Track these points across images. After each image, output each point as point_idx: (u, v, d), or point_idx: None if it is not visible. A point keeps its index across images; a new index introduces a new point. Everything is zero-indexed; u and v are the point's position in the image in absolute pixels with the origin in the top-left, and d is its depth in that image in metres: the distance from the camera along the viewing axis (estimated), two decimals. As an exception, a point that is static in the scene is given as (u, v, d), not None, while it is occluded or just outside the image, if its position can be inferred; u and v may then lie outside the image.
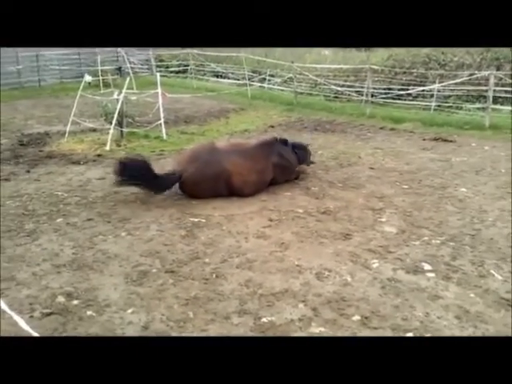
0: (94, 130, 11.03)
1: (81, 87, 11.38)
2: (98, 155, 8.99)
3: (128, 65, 20.77)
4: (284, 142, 7.26)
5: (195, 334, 3.36)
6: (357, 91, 15.73)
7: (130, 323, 3.52)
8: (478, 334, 3.36)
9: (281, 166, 6.98)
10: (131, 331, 3.41)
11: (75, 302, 3.81)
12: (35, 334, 3.17)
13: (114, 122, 9.81)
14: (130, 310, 3.69)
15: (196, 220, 5.60)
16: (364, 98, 15.00)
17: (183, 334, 3.36)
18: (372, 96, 14.73)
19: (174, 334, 3.36)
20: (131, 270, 4.35)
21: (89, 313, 3.65)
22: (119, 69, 20.25)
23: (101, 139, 10.08)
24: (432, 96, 14.21)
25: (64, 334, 3.35)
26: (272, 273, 4.31)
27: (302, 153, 7.52)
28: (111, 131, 9.71)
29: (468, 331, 3.40)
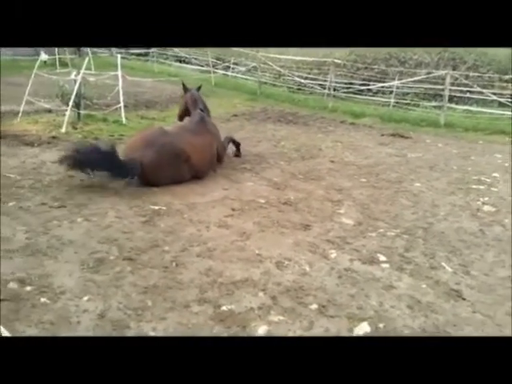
0: (50, 111, 10.60)
1: (36, 65, 10.88)
2: (53, 137, 8.64)
3: (87, 44, 20.01)
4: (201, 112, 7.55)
5: (154, 324, 3.32)
6: (319, 84, 15.93)
7: (86, 311, 3.43)
8: (429, 323, 3.51)
9: (217, 135, 7.48)
10: (87, 319, 3.32)
11: (28, 288, 3.67)
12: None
13: (70, 103, 9.45)
14: (85, 298, 3.59)
15: (156, 208, 5.50)
16: (326, 91, 15.21)
17: (142, 323, 3.32)
18: (334, 90, 14.97)
19: (131, 323, 3.31)
20: (87, 257, 4.23)
21: (42, 300, 3.52)
22: (78, 48, 19.47)
23: (56, 121, 9.69)
24: (391, 93, 14.63)
25: (16, 322, 3.22)
26: (232, 262, 4.31)
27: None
28: (68, 113, 9.37)
29: (419, 320, 3.55)
